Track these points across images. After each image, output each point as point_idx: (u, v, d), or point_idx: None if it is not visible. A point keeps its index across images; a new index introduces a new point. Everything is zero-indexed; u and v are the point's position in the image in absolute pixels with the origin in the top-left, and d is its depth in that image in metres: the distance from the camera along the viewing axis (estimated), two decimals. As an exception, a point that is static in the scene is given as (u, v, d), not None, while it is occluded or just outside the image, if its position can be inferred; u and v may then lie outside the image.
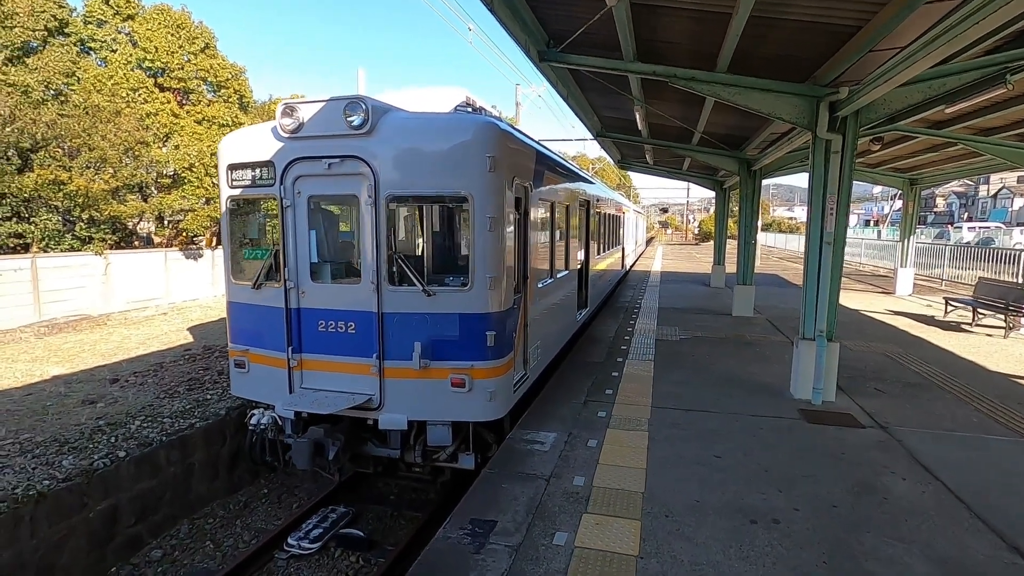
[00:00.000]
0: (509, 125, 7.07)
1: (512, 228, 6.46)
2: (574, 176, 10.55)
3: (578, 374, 8.30)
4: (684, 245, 58.97)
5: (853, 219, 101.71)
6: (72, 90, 20.73)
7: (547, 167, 8.20)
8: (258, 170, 6.40)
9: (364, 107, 5.81)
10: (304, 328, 6.34)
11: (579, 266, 13.48)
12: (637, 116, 10.35)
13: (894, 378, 8.19)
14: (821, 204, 6.96)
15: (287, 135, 6.05)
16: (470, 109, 7.14)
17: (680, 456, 5.37)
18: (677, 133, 12.84)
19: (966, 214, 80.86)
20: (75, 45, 21.87)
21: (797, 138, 9.46)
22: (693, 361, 9.01)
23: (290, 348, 6.28)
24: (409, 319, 6.08)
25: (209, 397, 8.00)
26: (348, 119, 5.85)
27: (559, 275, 9.20)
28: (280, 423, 6.53)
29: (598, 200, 14.13)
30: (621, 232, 21.81)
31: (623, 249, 22.35)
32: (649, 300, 15.95)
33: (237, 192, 6.61)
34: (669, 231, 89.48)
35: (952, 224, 76.98)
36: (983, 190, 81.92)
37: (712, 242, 20.81)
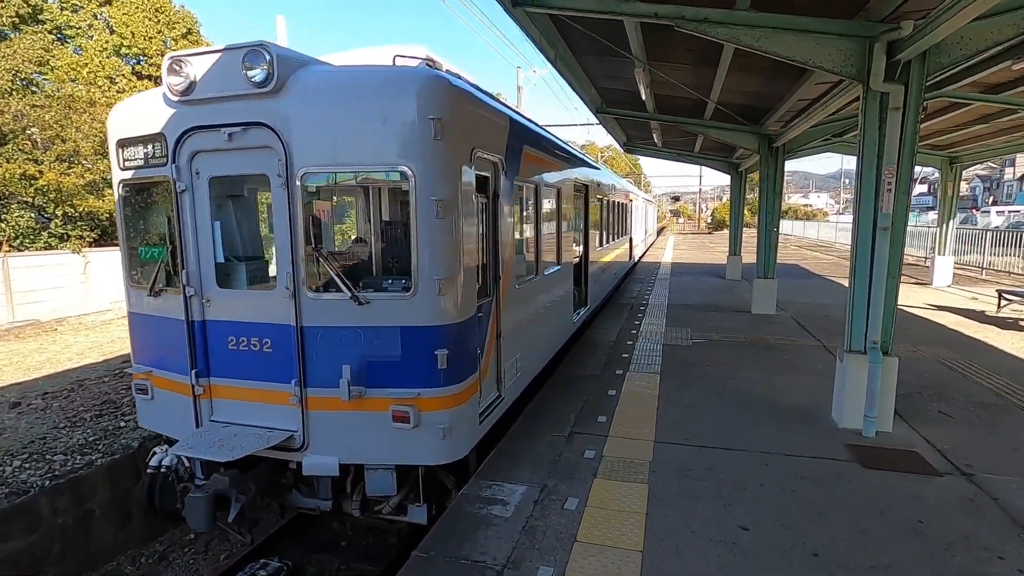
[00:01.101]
0: (470, 84, 5.52)
1: (474, 215, 4.95)
2: (567, 157, 8.96)
3: (566, 393, 6.75)
4: (696, 234, 56.89)
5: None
6: (45, 79, 19.48)
7: (528, 142, 6.65)
8: (149, 146, 4.95)
9: (268, 57, 4.31)
10: (211, 346, 4.91)
11: (576, 260, 11.89)
12: (640, 85, 8.70)
13: (960, 396, 6.53)
14: (875, 179, 5.31)
15: (177, 98, 4.59)
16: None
17: (692, 528, 3.81)
18: (687, 106, 11.14)
19: (991, 198, 77.53)
20: (50, 32, 20.61)
21: (833, 101, 7.76)
22: (707, 373, 7.41)
23: (194, 371, 4.86)
24: (337, 335, 4.63)
25: (123, 425, 6.59)
26: (248, 74, 4.36)
27: (548, 271, 7.66)
28: (189, 464, 5.11)
29: (600, 186, 12.53)
30: (628, 221, 20.20)
31: (631, 240, 20.73)
32: (658, 295, 14.30)
33: (129, 175, 5.16)
34: (681, 220, 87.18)
35: (978, 208, 73.91)
36: (1008, 173, 78.48)
37: (726, 231, 19.05)
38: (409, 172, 4.35)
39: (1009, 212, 50.83)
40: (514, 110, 6.87)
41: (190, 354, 4.85)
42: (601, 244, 13.33)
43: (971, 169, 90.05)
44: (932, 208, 72.15)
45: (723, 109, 10.24)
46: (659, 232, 58.33)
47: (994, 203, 72.85)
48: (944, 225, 15.81)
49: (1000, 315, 11.33)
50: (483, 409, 5.25)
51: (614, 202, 16.05)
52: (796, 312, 11.73)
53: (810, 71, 7.61)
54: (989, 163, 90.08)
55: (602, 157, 72.98)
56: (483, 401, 5.24)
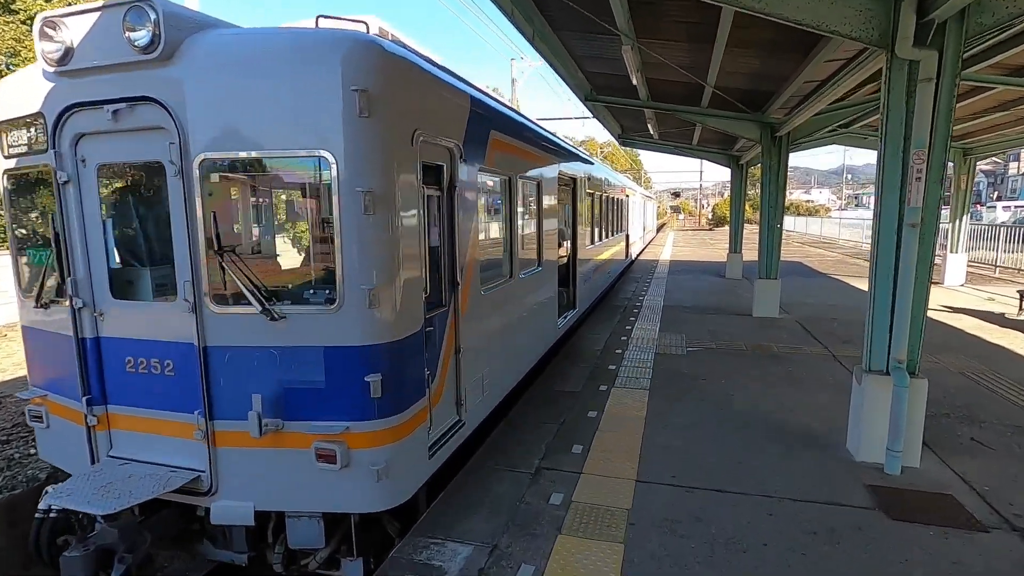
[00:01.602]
0: (419, 55, 4.64)
1: (419, 211, 4.10)
2: (551, 147, 8.07)
3: (541, 413, 5.87)
4: (697, 231, 55.90)
5: (873, 200, 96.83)
6: (13, 70, 18.58)
7: (498, 127, 5.78)
8: (32, 128, 4.10)
9: (153, 16, 3.45)
10: (107, 368, 4.09)
11: (563, 259, 11.00)
12: (630, 66, 7.79)
13: (993, 417, 5.64)
14: (900, 166, 4.42)
15: (54, 68, 3.74)
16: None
17: (675, 612, 2.94)
18: (683, 93, 10.22)
19: (996, 193, 76.33)
20: (23, 23, 19.71)
21: (846, 80, 6.85)
22: (703, 389, 6.52)
23: (86, 398, 4.02)
24: (248, 357, 3.80)
25: (32, 453, 5.74)
26: (131, 36, 3.50)
27: (525, 274, 6.81)
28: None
29: (590, 180, 11.66)
30: (625, 217, 19.33)
31: (627, 237, 19.85)
32: (653, 296, 13.40)
33: (12, 163, 4.32)
34: (682, 216, 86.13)
35: (982, 204, 72.75)
36: (1013, 168, 77.25)
37: (727, 227, 18.15)
38: (329, 158, 3.50)
39: (1015, 207, 49.77)
40: (484, 92, 5.96)
41: (81, 378, 4.00)
42: (593, 242, 12.46)
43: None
44: (936, 203, 71.07)
45: (722, 94, 9.32)
46: (659, 229, 57.34)
47: (999, 198, 71.65)
48: (957, 221, 14.88)
49: (1022, 318, 10.41)
50: (436, 440, 4.41)
51: (608, 197, 15.16)
52: (801, 315, 10.83)
53: (819, 47, 6.70)
54: (994, 158, 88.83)
55: (601, 153, 71.96)
56: (435, 430, 4.40)
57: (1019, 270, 16.58)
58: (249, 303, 3.60)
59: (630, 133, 16.53)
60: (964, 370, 7.18)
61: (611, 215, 15.82)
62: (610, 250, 15.05)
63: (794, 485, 4.27)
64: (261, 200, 4.73)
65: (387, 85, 3.67)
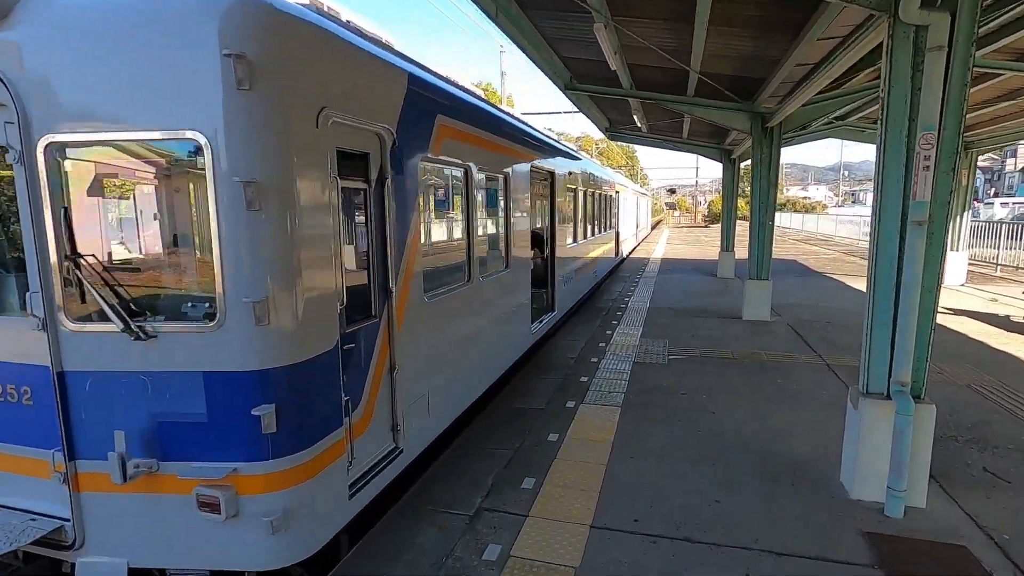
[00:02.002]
0: (335, 20, 3.94)
1: (329, 206, 3.40)
2: (521, 136, 7.37)
3: (495, 437, 5.17)
4: (692, 228, 55.22)
5: (870, 197, 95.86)
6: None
7: (447, 111, 5.08)
8: None
9: None
10: None
11: (539, 259, 10.30)
12: (607, 48, 7.08)
13: (1007, 441, 4.94)
14: (904, 152, 3.72)
15: None
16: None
17: None
18: (668, 80, 9.50)
19: (992, 190, 75.74)
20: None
21: (843, 58, 6.13)
22: (682, 406, 5.82)
23: None
24: (113, 384, 3.09)
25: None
26: None
27: (489, 276, 6.15)
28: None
29: (573, 175, 10.96)
30: (614, 214, 18.64)
31: (617, 235, 19.16)
32: (640, 297, 12.70)
33: None
34: (677, 213, 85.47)
35: (979, 200, 72.12)
36: (1010, 164, 76.67)
37: (722, 221, 17.46)
38: (201, 140, 2.81)
39: (1014, 204, 49.11)
40: (429, 70, 5.23)
41: None
42: (576, 240, 11.76)
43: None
44: (932, 200, 70.55)
45: (708, 81, 8.59)
46: (655, 226, 56.65)
47: (995, 195, 71.05)
48: (958, 217, 14.19)
49: (1029, 321, 9.75)
50: (361, 476, 3.72)
51: (595, 194, 14.46)
52: (794, 318, 10.13)
53: (810, 24, 5.98)
54: (991, 154, 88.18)
55: (596, 149, 71.21)
56: (360, 464, 3.72)
57: (1019, 268, 15.91)
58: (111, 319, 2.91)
59: (618, 127, 15.80)
60: (970, 383, 6.49)
61: (598, 212, 15.11)
62: (596, 248, 14.35)
63: (778, 532, 3.57)
64: (128, 193, 4.00)
65: (276, 51, 2.96)
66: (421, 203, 4.65)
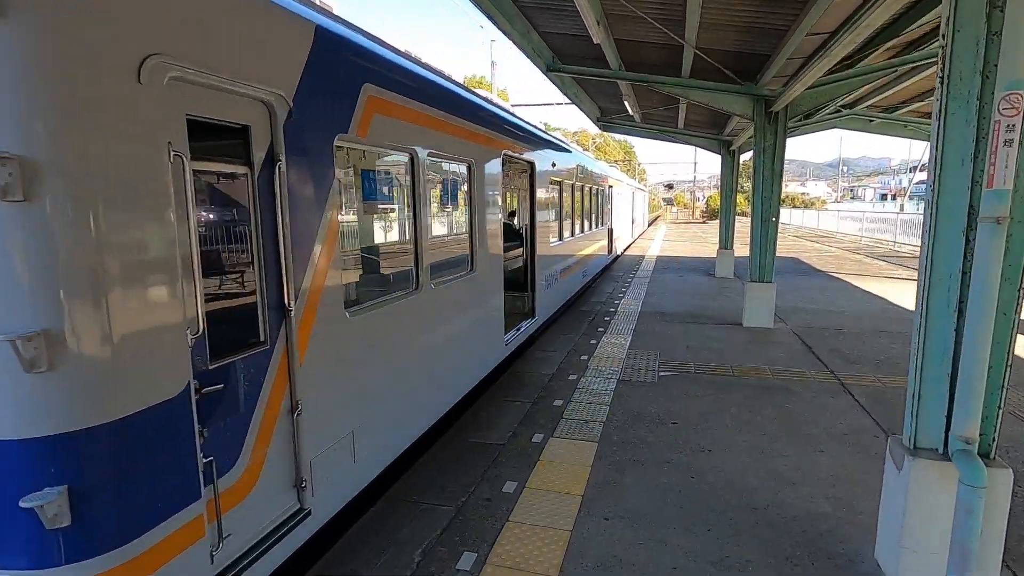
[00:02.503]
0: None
1: (170, 197, 2.30)
2: (491, 119, 6.34)
3: (436, 484, 4.12)
4: (690, 224, 54.16)
5: (869, 192, 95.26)
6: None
7: (376, 79, 4.05)
8: None
9: None
10: None
11: (514, 261, 9.25)
12: (585, 15, 6.01)
13: (1079, 495, 3.91)
14: (975, 118, 2.67)
15: None
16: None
17: None
18: (660, 59, 8.44)
19: (993, 185, 74.70)
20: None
21: (863, 22, 5.06)
22: (671, 442, 4.79)
23: None
24: None
25: None
26: None
27: (442, 283, 5.10)
28: None
29: (559, 166, 9.92)
30: (607, 210, 17.61)
31: (610, 231, 18.13)
32: (631, 299, 11.65)
33: None
34: (675, 209, 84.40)
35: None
36: (1011, 160, 75.61)
37: (720, 216, 16.42)
38: None
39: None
40: (354, 27, 4.16)
41: None
42: (561, 238, 10.73)
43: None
44: (932, 196, 69.68)
45: (705, 58, 7.53)
46: (652, 222, 55.59)
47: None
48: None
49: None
50: (243, 553, 2.72)
51: (586, 188, 13.42)
52: (799, 324, 9.09)
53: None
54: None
55: (594, 144, 70.08)
56: (239, 539, 2.72)
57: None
58: None
59: (610, 116, 14.73)
60: None
61: (589, 207, 14.07)
62: (586, 247, 13.31)
63: (798, 652, 2.54)
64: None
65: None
66: (339, 196, 3.61)
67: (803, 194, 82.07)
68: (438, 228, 5.81)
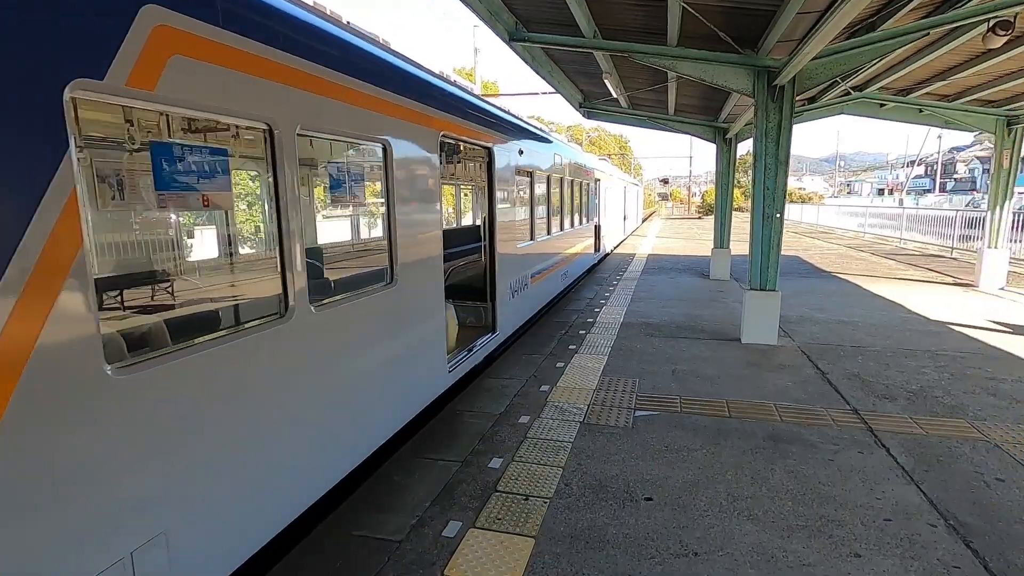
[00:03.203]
0: None
1: None
2: (406, 83, 4.82)
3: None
4: (685, 219, 52.65)
5: (866, 187, 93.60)
6: None
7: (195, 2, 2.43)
8: None
9: None
10: None
11: (469, 264, 7.80)
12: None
13: None
14: None
15: None
16: None
17: None
18: (642, 22, 6.94)
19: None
20: None
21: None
22: (642, 535, 3.32)
23: None
24: None
25: None
26: None
27: (325, 308, 3.60)
28: None
29: (528, 155, 8.48)
30: (593, 206, 16.14)
31: (597, 228, 16.66)
32: (614, 307, 10.17)
33: None
34: (670, 204, 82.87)
35: (978, 190, 69.71)
36: (1009, 154, 74.08)
37: (715, 211, 14.95)
38: None
39: (1020, 194, 46.61)
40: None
41: None
42: (534, 237, 9.26)
43: (969, 150, 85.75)
44: (929, 191, 68.24)
45: (696, 15, 6.02)
46: (647, 218, 54.07)
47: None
48: (997, 208, 11.69)
49: (1120, 345, 7.25)
50: None
51: (567, 181, 11.94)
52: (808, 340, 7.62)
53: None
54: (988, 143, 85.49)
55: (588, 138, 68.45)
56: None
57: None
58: None
59: (593, 102, 13.19)
60: (1110, 472, 3.98)
61: (571, 203, 12.59)
62: (568, 246, 11.83)
63: None
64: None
65: None
66: (94, 184, 2.16)
67: (800, 189, 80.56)
68: (332, 229, 4.34)
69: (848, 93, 11.29)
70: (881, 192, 77.93)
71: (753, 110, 7.33)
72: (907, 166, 76.50)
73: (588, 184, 14.91)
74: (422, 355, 4.93)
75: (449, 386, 5.64)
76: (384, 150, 4.30)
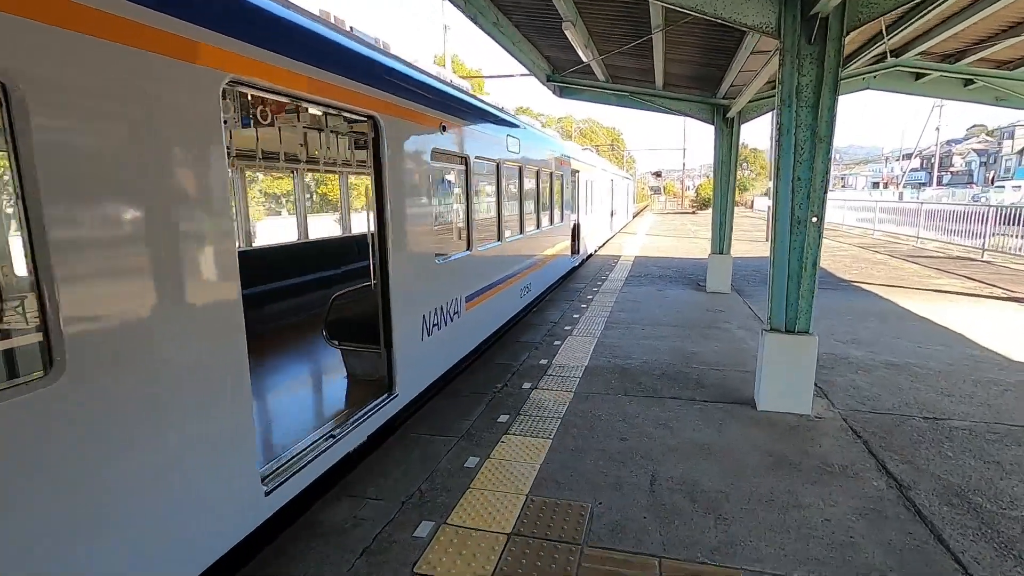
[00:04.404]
0: None
1: None
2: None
3: None
4: (679, 214, 50.06)
5: (861, 181, 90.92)
6: None
7: None
8: None
9: None
10: None
11: (361, 291, 5.18)
12: None
13: None
14: None
15: None
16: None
17: None
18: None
19: (991, 173, 70.95)
20: None
21: None
22: None
23: None
24: None
25: None
26: None
27: None
28: None
29: (447, 131, 5.87)
30: (572, 202, 13.57)
31: (576, 229, 14.10)
32: (580, 339, 7.59)
33: None
34: (663, 199, 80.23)
35: (974, 183, 67.37)
36: (1007, 146, 71.79)
37: (711, 210, 12.34)
38: None
39: (1016, 187, 44.16)
40: None
41: None
42: (470, 246, 6.75)
43: (966, 143, 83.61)
44: (925, 184, 65.73)
45: None
46: (639, 213, 51.46)
47: (994, 178, 66.12)
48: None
49: None
50: None
51: (530, 172, 9.37)
52: (855, 402, 5.06)
53: None
54: (986, 136, 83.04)
55: (577, 129, 65.61)
56: None
57: None
58: None
59: (565, 75, 10.53)
60: None
61: (536, 199, 10.01)
62: (529, 253, 9.26)
63: None
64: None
65: None
66: None
67: (795, 182, 77.88)
68: None
69: (883, 59, 8.71)
70: (876, 185, 75.47)
71: (778, 62, 4.70)
72: (902, 159, 73.95)
73: (563, 176, 12.30)
74: (186, 480, 2.39)
75: (266, 519, 3.09)
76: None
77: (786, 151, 4.65)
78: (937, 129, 60.94)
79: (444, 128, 5.56)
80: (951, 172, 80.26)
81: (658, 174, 71.65)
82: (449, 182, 6.67)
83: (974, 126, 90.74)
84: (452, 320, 5.93)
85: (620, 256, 16.98)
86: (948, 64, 9.10)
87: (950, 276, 12.28)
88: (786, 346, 4.81)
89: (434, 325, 5.45)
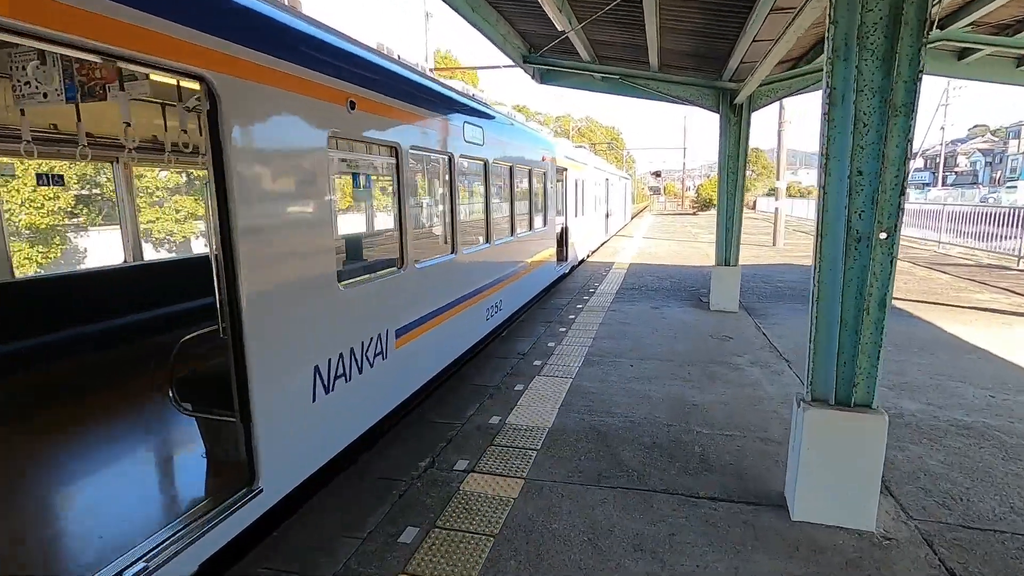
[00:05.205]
0: None
1: None
2: None
3: None
4: (679, 215, 48.30)
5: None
6: None
7: None
8: None
9: None
10: None
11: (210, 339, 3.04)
12: None
13: None
14: None
15: None
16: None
17: None
18: None
19: (998, 173, 69.07)
20: None
21: None
22: None
23: None
24: None
25: None
26: None
27: None
28: None
29: (354, 108, 4.07)
30: (559, 203, 11.91)
31: (563, 233, 12.45)
32: (550, 381, 5.90)
33: None
34: (662, 199, 78.51)
35: (979, 183, 65.51)
36: (1013, 146, 69.85)
37: (714, 211, 10.57)
38: None
39: (1011, 188, 42.34)
40: None
41: None
42: (403, 265, 5.02)
43: (970, 143, 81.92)
44: (929, 185, 63.80)
45: None
46: (638, 214, 49.72)
47: (1001, 178, 64.23)
48: None
49: None
50: None
51: (506, 169, 7.76)
52: (930, 499, 3.39)
53: None
54: (991, 135, 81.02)
55: (575, 128, 63.91)
56: None
57: None
58: None
59: (543, 55, 8.85)
60: None
61: (511, 201, 8.35)
62: (499, 266, 7.59)
63: None
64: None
65: None
66: None
67: (797, 183, 76.12)
68: None
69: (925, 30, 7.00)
70: (879, 186, 73.57)
71: (826, 17, 3.02)
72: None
73: (547, 174, 10.64)
74: None
75: None
76: None
77: (840, 129, 2.97)
78: (942, 128, 59.12)
79: (353, 105, 3.89)
80: (955, 172, 78.31)
81: (658, 174, 69.84)
82: (369, 178, 5.00)
83: (976, 126, 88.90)
84: (371, 365, 4.28)
85: (613, 263, 15.28)
86: (1006, 37, 7.41)
87: (991, 289, 10.56)
88: (838, 429, 3.12)
89: (337, 377, 3.80)
